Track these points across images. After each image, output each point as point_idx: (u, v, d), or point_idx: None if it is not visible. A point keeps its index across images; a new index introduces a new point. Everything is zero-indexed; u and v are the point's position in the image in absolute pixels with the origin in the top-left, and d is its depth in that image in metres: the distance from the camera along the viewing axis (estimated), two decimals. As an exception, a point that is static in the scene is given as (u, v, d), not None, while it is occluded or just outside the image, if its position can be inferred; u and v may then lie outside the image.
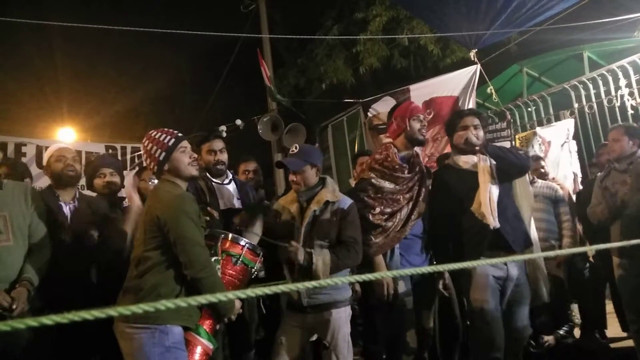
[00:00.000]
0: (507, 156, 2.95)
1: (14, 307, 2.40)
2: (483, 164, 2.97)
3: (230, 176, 3.43)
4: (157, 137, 2.38)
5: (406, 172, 3.06)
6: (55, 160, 3.02)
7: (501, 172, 2.95)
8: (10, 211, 2.60)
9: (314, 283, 1.14)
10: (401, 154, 3.09)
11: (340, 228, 2.73)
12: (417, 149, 3.22)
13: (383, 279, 2.88)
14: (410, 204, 3.03)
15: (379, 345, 3.21)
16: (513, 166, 2.97)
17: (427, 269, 2.13)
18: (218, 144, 3.34)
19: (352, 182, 3.36)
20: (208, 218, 2.64)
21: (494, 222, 2.83)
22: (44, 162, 3.11)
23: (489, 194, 2.88)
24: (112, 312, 0.78)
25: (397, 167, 3.04)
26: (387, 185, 3.02)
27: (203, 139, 3.42)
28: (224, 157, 3.34)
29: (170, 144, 2.35)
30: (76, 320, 0.75)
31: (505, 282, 2.89)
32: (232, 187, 3.36)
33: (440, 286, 3.06)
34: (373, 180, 3.03)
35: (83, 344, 2.84)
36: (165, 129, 2.43)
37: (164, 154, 2.34)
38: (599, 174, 3.79)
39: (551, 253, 3.46)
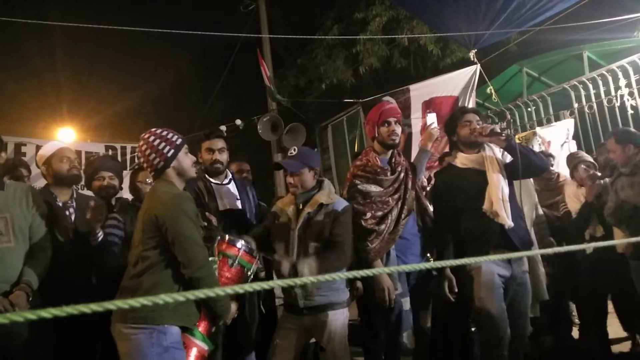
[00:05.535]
0: (529, 154, 2.88)
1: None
2: (489, 153, 2.92)
3: (230, 176, 3.40)
4: (163, 134, 2.37)
5: (389, 173, 3.06)
6: (58, 160, 3.00)
7: (521, 170, 2.84)
8: (11, 213, 2.60)
9: (311, 278, 1.14)
10: (381, 157, 3.10)
11: (331, 228, 2.70)
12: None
13: (383, 284, 2.87)
14: (400, 203, 3.03)
15: (379, 345, 3.21)
16: (534, 166, 2.90)
17: (427, 265, 2.13)
18: (217, 144, 3.30)
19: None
20: (206, 224, 2.63)
21: (508, 221, 2.78)
22: (40, 161, 3.07)
23: (501, 192, 2.83)
24: (110, 305, 0.78)
25: (378, 170, 3.04)
26: (373, 188, 3.02)
27: (204, 136, 3.39)
28: (222, 157, 3.29)
29: (178, 142, 2.37)
30: (74, 313, 0.75)
31: (509, 280, 2.88)
32: (231, 187, 3.33)
33: (446, 289, 3.03)
34: (359, 187, 3.02)
35: (82, 345, 2.84)
36: (168, 129, 2.42)
37: (172, 150, 2.33)
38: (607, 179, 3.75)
39: (550, 250, 3.44)
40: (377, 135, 3.10)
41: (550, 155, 4.48)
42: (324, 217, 2.71)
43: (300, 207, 2.79)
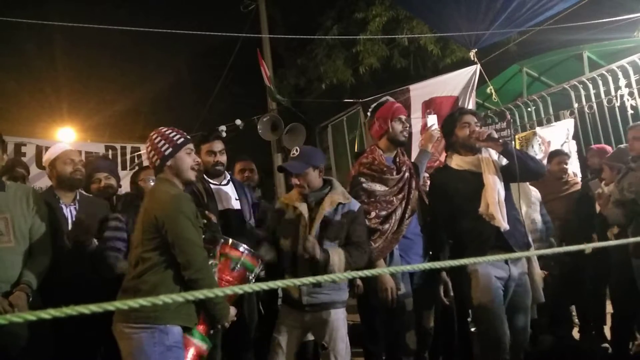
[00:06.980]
0: (526, 159, 2.87)
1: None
2: (485, 155, 2.90)
3: (228, 177, 3.41)
4: (167, 133, 2.40)
5: (394, 172, 3.06)
6: (63, 163, 3.00)
7: (516, 173, 2.83)
8: (12, 213, 2.59)
9: (310, 279, 1.14)
10: (386, 155, 3.10)
11: (351, 230, 2.74)
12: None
13: (386, 284, 2.88)
14: (404, 203, 3.03)
15: (379, 346, 3.21)
16: (530, 171, 2.88)
17: (428, 265, 2.13)
18: (218, 145, 3.33)
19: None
20: (205, 221, 2.64)
21: (504, 223, 2.77)
22: (46, 163, 3.09)
23: (497, 194, 2.81)
24: (108, 306, 0.78)
25: (384, 168, 3.04)
26: (378, 188, 3.01)
27: (203, 139, 3.40)
28: (223, 158, 3.33)
29: (179, 142, 2.38)
30: (73, 314, 0.75)
31: (508, 282, 2.86)
32: (230, 187, 3.35)
33: (442, 292, 3.03)
34: (364, 185, 3.02)
35: (83, 346, 2.84)
36: (176, 129, 2.45)
37: (170, 149, 2.35)
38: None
39: (549, 251, 3.44)
40: (390, 130, 3.08)
41: (566, 154, 4.47)
42: (341, 217, 2.74)
43: (313, 205, 2.79)
